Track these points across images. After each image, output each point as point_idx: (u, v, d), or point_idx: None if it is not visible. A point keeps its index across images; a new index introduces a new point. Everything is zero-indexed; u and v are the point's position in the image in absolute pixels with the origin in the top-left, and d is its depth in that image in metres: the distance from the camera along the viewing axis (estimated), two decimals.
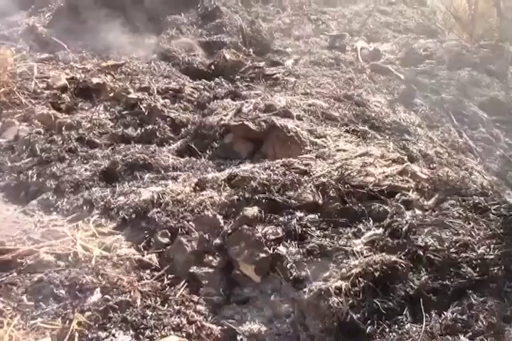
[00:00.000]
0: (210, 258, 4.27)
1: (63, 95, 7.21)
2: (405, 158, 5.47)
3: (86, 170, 5.67)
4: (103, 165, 5.71)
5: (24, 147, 6.17)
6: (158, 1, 10.14)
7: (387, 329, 3.49)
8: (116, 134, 6.48)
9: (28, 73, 7.38)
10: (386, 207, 4.48)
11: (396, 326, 3.52)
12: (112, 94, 7.25)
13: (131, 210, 4.87)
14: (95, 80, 7.48)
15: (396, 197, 4.60)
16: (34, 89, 7.14)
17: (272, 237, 4.19)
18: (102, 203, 5.07)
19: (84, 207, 5.08)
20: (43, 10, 11.56)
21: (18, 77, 7.31)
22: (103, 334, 3.55)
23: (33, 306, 3.73)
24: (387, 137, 6.46)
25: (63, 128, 6.43)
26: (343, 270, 3.86)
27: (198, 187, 5.02)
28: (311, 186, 4.67)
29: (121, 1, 9.95)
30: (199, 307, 3.95)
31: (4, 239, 4.40)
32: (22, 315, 3.62)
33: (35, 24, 10.21)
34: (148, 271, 4.24)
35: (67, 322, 3.56)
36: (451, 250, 3.88)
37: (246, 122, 5.89)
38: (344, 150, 5.43)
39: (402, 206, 4.48)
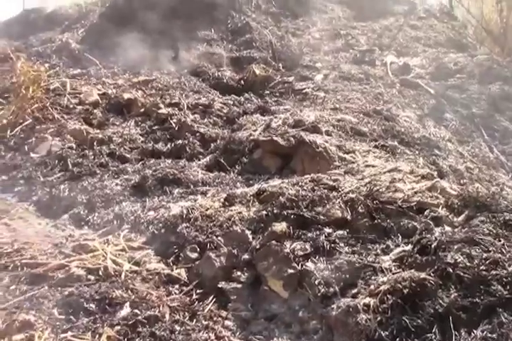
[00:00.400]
0: (239, 273, 4.27)
1: (95, 110, 7.32)
2: (435, 173, 5.43)
3: (117, 184, 5.75)
4: (133, 179, 5.78)
5: (56, 162, 6.28)
6: (189, 17, 10.24)
7: None
8: (146, 149, 6.56)
9: (61, 89, 7.50)
10: (415, 224, 4.43)
11: None
12: (142, 110, 7.35)
13: (160, 225, 4.90)
14: (126, 96, 7.59)
15: (425, 213, 4.55)
16: (67, 104, 7.26)
17: (301, 253, 4.17)
18: (132, 218, 5.12)
19: (115, 222, 5.14)
20: (76, 26, 11.75)
21: (52, 92, 7.44)
22: None
23: (64, 320, 3.74)
24: (417, 152, 6.44)
25: (95, 143, 6.53)
26: (372, 287, 3.82)
27: (226, 202, 5.03)
28: (339, 202, 4.65)
29: (153, 17, 10.04)
30: (227, 322, 3.94)
31: (36, 253, 4.47)
32: (52, 329, 3.64)
33: (68, 40, 10.39)
34: (177, 286, 4.25)
35: (97, 336, 3.58)
36: (481, 267, 3.82)
37: (275, 138, 5.92)
38: (373, 166, 5.41)
39: (431, 222, 4.43)
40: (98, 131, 6.89)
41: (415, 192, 4.79)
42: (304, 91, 8.47)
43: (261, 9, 11.77)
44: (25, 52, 10.06)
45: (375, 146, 6.25)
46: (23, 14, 13.73)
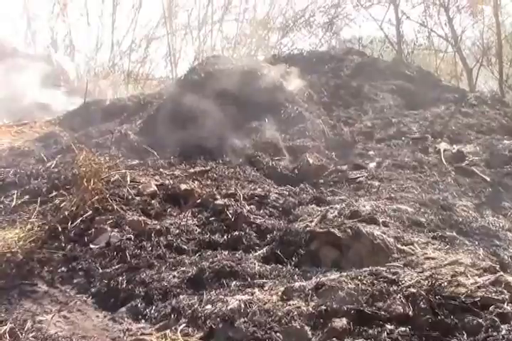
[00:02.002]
0: None
1: (153, 201, 7.44)
2: (497, 266, 5.31)
3: (174, 276, 5.74)
4: (190, 272, 5.77)
5: (115, 253, 6.35)
6: (243, 108, 10.53)
7: None
8: (203, 240, 6.59)
9: (120, 180, 7.67)
10: (480, 320, 4.31)
11: None
12: (199, 200, 7.45)
13: (218, 319, 4.84)
14: (183, 186, 7.72)
15: (490, 309, 4.43)
16: (126, 195, 7.40)
17: None
18: (190, 311, 5.08)
19: (172, 315, 5.10)
20: (134, 117, 12.16)
21: (111, 184, 7.60)
22: None
23: None
24: (477, 243, 6.34)
25: (152, 235, 6.60)
26: None
27: (284, 296, 4.98)
28: (400, 297, 4.58)
29: (209, 109, 10.36)
30: None
31: None
32: None
33: (127, 132, 10.74)
34: None
35: None
36: None
37: (332, 229, 5.92)
38: (433, 259, 5.34)
39: (497, 319, 4.31)
40: (156, 221, 6.98)
41: (478, 287, 4.68)
42: (358, 180, 8.52)
43: (313, 99, 12.07)
44: (86, 144, 10.44)
45: (434, 237, 6.20)
46: (84, 106, 14.30)
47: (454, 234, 6.42)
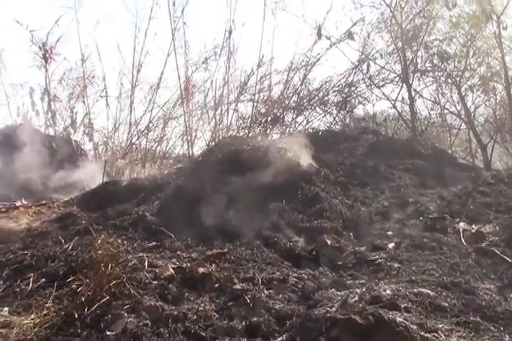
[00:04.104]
0: None
1: (170, 285, 7.37)
2: None
3: None
4: None
5: (131, 340, 6.23)
6: (260, 189, 10.59)
7: None
8: (221, 326, 6.45)
9: (137, 264, 7.63)
10: None
11: None
12: (217, 285, 7.36)
13: None
14: (201, 270, 7.66)
15: None
16: (143, 279, 7.34)
17: None
18: None
19: None
20: (151, 198, 12.21)
21: (128, 267, 7.56)
22: None
23: None
24: (502, 328, 6.17)
25: (170, 321, 6.49)
26: None
27: None
28: None
29: (223, 190, 10.43)
30: None
31: None
32: None
33: (144, 213, 10.77)
34: None
35: None
36: None
37: (353, 316, 5.78)
38: None
39: None
40: (173, 307, 6.87)
41: None
42: (378, 261, 8.41)
43: (329, 179, 12.15)
44: (104, 225, 10.48)
45: (457, 323, 6.07)
46: (101, 186, 14.43)
47: (478, 319, 6.27)
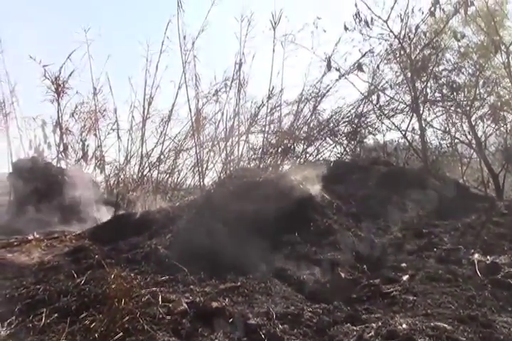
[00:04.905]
0: None
1: (183, 320, 7.28)
2: None
3: None
4: None
5: None
6: (272, 221, 10.56)
7: None
8: None
9: (150, 298, 7.58)
10: None
11: None
12: (231, 319, 7.29)
13: None
14: (214, 304, 7.58)
15: None
16: (156, 314, 7.28)
17: None
18: None
19: None
20: (164, 231, 12.19)
21: (141, 302, 7.51)
22: None
23: None
24: None
25: None
26: None
27: None
28: None
29: (235, 223, 10.42)
30: None
31: None
32: None
33: (156, 246, 10.73)
34: None
35: None
36: None
37: None
38: None
39: None
40: None
41: None
42: (392, 294, 8.31)
43: (342, 211, 12.12)
44: (116, 259, 10.44)
45: None
46: (113, 219, 14.46)
47: None
